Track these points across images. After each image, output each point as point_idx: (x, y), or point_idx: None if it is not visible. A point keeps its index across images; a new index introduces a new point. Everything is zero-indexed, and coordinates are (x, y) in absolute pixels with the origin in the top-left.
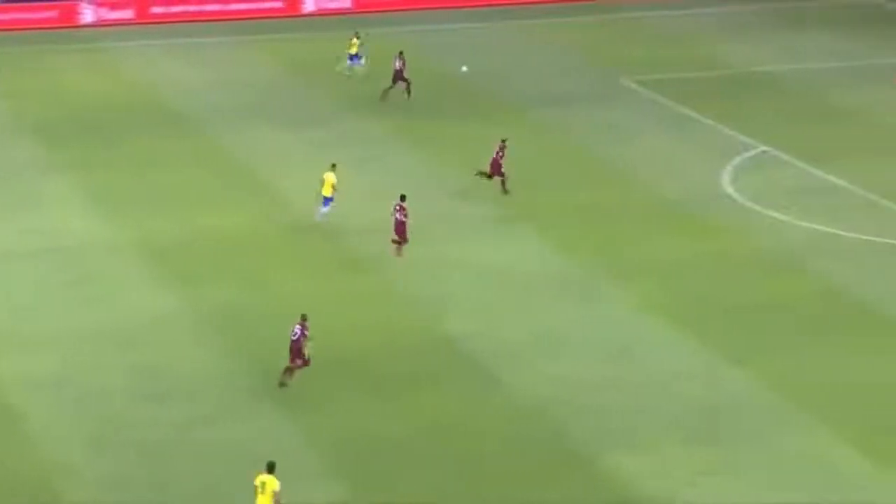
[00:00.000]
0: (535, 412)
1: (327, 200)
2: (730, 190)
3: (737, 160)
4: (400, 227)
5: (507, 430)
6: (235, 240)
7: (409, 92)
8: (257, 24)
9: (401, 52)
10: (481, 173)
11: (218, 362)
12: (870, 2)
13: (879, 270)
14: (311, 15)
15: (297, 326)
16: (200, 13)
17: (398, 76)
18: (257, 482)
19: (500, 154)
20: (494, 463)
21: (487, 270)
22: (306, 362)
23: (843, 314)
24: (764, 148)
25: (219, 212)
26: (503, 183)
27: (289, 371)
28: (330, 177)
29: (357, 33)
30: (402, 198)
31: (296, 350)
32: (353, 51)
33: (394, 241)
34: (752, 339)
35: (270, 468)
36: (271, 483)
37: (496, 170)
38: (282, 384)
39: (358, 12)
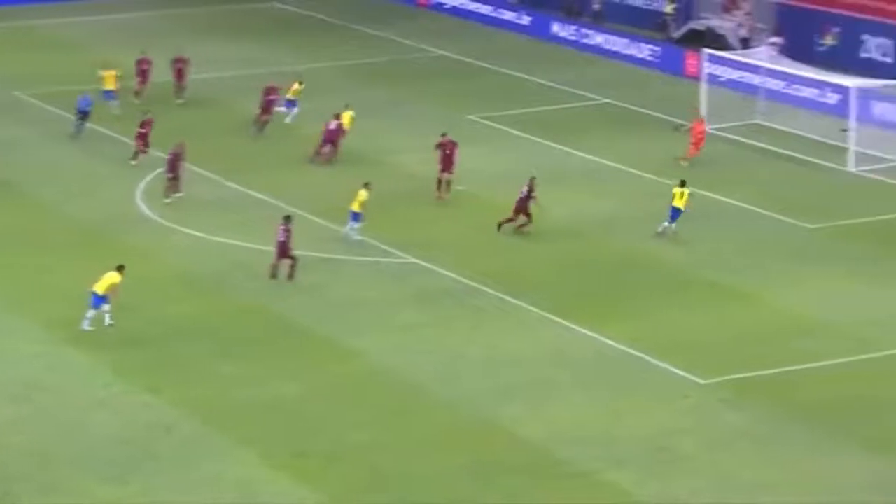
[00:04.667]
0: None
1: (356, 216)
2: (145, 208)
3: (151, 175)
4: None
5: None
6: None
7: None
8: None
9: None
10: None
11: None
12: (263, 7)
13: (301, 285)
14: None
15: (282, 228)
16: None
17: None
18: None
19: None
20: None
21: None
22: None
23: (266, 332)
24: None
25: None
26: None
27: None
28: (362, 194)
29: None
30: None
31: (280, 249)
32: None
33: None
34: (170, 367)
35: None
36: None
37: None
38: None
39: None
